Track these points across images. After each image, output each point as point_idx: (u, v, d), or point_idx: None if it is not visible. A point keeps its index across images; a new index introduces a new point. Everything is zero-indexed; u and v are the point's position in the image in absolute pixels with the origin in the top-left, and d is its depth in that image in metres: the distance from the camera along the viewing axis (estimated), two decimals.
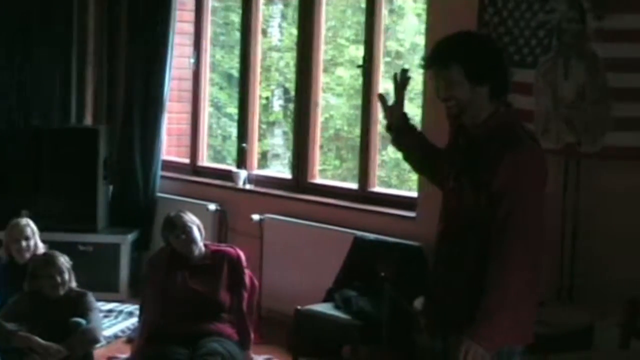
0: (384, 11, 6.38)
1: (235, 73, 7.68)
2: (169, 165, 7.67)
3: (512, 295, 3.01)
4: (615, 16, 4.79)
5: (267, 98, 8.25)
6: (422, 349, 3.39)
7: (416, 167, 3.63)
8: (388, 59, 7.19)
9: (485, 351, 3.02)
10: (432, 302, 3.31)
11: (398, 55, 7.56)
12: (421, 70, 5.80)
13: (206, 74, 7.59)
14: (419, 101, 6.04)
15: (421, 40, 6.34)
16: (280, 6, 8.33)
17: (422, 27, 6.22)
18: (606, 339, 4.46)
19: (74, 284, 5.13)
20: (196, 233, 5.13)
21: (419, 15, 7.21)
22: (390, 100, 3.44)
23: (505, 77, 3.18)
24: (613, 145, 4.82)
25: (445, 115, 3.22)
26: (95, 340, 5.10)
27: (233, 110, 7.91)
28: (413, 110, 6.40)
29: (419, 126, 3.71)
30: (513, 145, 3.05)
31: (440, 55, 3.13)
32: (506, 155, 3.02)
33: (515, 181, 3.02)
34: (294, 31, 7.01)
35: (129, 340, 6.06)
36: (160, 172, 7.56)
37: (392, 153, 7.46)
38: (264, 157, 8.09)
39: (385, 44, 6.55)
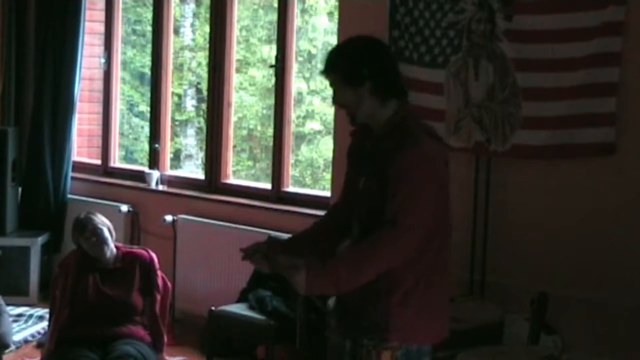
0: (296, 11, 6.38)
1: (147, 71, 7.61)
2: (79, 167, 7.56)
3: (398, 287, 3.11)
4: (523, 17, 4.86)
5: (179, 97, 8.20)
6: (332, 347, 3.38)
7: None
8: (301, 59, 7.22)
9: (392, 351, 3.08)
10: (343, 304, 3.31)
11: (310, 55, 7.58)
12: None
13: (117, 74, 7.50)
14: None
15: (333, 40, 6.36)
16: (192, 5, 8.29)
17: (334, 27, 6.25)
18: (516, 334, 4.53)
19: None
20: (107, 235, 5.06)
21: (330, 14, 7.25)
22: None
23: (388, 76, 3.23)
24: (522, 144, 4.89)
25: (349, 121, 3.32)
26: (4, 345, 4.99)
27: (145, 108, 7.84)
28: (326, 109, 6.44)
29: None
30: (404, 144, 3.10)
31: (324, 66, 3.30)
32: (396, 155, 3.08)
33: (405, 179, 3.07)
34: (207, 30, 6.97)
35: (39, 345, 5.97)
36: (70, 174, 7.45)
37: (305, 152, 7.49)
38: (176, 158, 8.04)
39: (297, 43, 6.56)
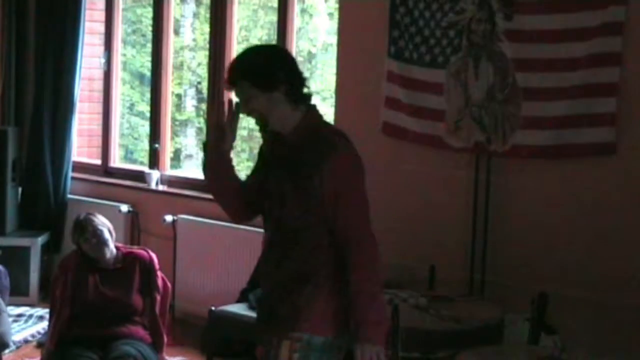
0: (296, 11, 6.38)
1: (147, 72, 7.60)
2: (79, 167, 7.56)
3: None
4: (523, 17, 4.86)
5: (179, 97, 8.19)
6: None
7: (225, 200, 3.50)
8: (300, 59, 7.21)
9: (292, 341, 3.21)
10: (269, 310, 3.35)
11: (310, 54, 7.58)
12: (334, 70, 5.85)
13: (117, 74, 7.50)
14: (332, 101, 6.06)
15: (333, 40, 6.35)
16: (192, 5, 8.29)
17: (334, 27, 6.24)
18: (516, 334, 4.53)
19: None
20: (107, 236, 5.06)
21: (330, 15, 7.24)
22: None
23: (299, 80, 3.26)
24: (522, 144, 4.89)
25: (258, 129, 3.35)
26: (4, 344, 4.99)
27: (145, 108, 7.84)
28: (327, 109, 6.44)
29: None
30: (332, 150, 3.17)
31: (230, 76, 3.26)
32: (327, 161, 3.15)
33: (344, 184, 3.17)
34: (207, 30, 6.97)
35: (39, 345, 5.97)
36: (70, 174, 7.45)
37: None
38: (176, 158, 8.03)
39: (297, 43, 6.56)
